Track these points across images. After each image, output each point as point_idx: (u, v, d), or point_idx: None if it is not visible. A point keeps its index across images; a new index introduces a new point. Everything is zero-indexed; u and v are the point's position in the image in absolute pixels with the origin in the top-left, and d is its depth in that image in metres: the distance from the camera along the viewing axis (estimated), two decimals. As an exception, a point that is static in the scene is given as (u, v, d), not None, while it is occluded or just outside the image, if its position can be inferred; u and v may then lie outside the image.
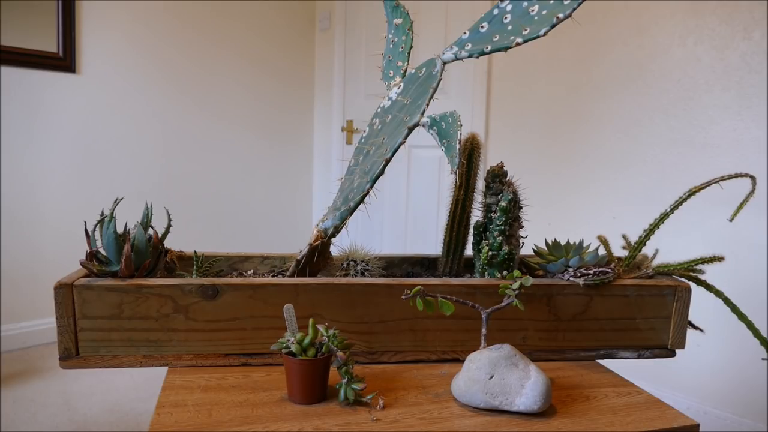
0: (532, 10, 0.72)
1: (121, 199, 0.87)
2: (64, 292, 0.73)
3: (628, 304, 0.86)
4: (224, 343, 0.77)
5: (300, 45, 3.28)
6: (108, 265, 0.77)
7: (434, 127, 0.76)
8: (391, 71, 0.89)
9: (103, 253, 0.78)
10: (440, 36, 2.62)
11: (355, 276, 0.88)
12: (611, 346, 0.87)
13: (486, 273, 0.87)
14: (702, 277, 0.89)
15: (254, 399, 0.69)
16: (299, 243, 3.20)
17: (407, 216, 2.91)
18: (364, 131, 0.91)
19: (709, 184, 0.87)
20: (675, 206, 0.88)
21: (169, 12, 2.72)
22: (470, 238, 0.95)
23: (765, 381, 1.68)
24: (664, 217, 0.89)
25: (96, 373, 2.10)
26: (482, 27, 0.78)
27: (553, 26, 0.70)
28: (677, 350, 0.89)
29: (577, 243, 0.90)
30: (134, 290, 0.74)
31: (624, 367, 0.97)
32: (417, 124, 0.78)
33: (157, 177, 2.77)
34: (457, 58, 0.80)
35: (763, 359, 1.34)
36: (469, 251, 0.97)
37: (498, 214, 0.86)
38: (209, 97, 2.92)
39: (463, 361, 0.73)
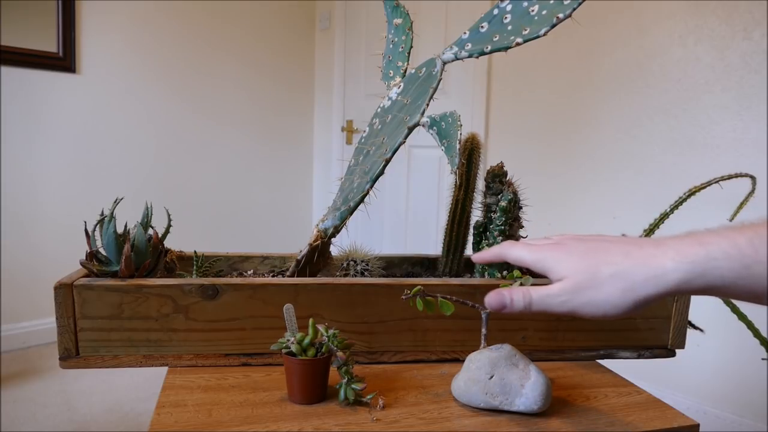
0: (532, 10, 0.72)
1: (121, 199, 0.87)
2: (64, 292, 0.73)
3: (628, 304, 0.86)
4: (224, 343, 0.77)
5: (300, 45, 3.28)
6: (108, 265, 0.77)
7: (434, 127, 0.76)
8: (391, 71, 0.89)
9: (103, 253, 0.78)
10: (440, 36, 2.62)
11: (355, 276, 0.88)
12: (611, 346, 0.87)
13: (486, 273, 0.87)
14: (702, 277, 0.88)
15: (254, 399, 0.69)
16: (299, 243, 3.20)
17: (407, 216, 2.91)
18: (364, 131, 0.91)
19: (709, 184, 0.87)
20: (675, 206, 0.88)
21: (169, 12, 2.72)
22: (470, 238, 0.95)
23: (765, 381, 1.68)
24: (664, 217, 0.89)
25: (96, 373, 2.10)
26: (482, 27, 0.78)
27: (553, 26, 0.70)
28: (677, 350, 0.89)
29: (577, 243, 0.90)
30: (134, 290, 0.74)
31: (624, 367, 0.97)
32: (417, 124, 0.78)
33: (157, 177, 2.78)
34: (457, 58, 0.80)
35: (763, 359, 1.34)
36: (469, 251, 0.97)
37: (498, 214, 0.86)
38: (209, 95, 2.92)
39: (463, 361, 0.73)
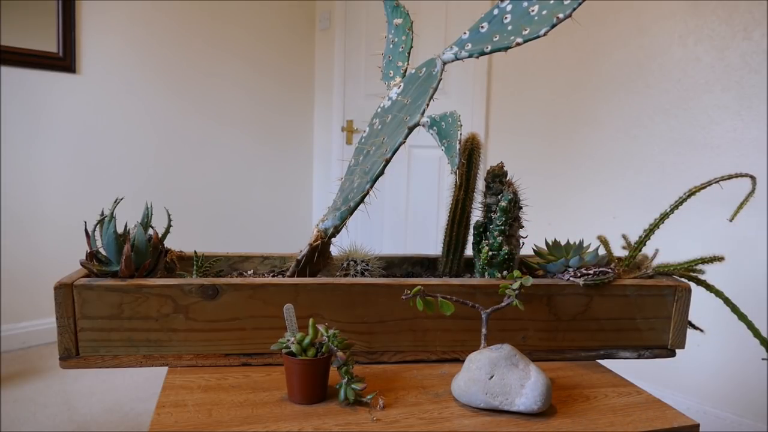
0: (532, 10, 0.72)
1: (121, 199, 0.87)
2: (64, 292, 0.73)
3: (628, 304, 0.86)
4: (224, 343, 0.77)
5: (300, 45, 3.28)
6: (108, 265, 0.77)
7: (434, 127, 0.76)
8: (391, 71, 0.89)
9: (103, 253, 0.78)
10: (440, 36, 2.62)
11: (355, 276, 0.88)
12: (611, 346, 0.87)
13: (486, 273, 0.87)
14: (702, 277, 0.89)
15: (254, 399, 0.69)
16: (299, 243, 3.20)
17: (407, 216, 2.91)
18: (364, 131, 0.91)
19: (709, 184, 0.87)
20: (675, 206, 0.88)
21: (169, 12, 2.72)
22: (470, 238, 0.95)
23: (765, 381, 1.68)
24: (664, 217, 0.89)
25: (96, 373, 2.10)
26: (482, 27, 0.78)
27: (553, 26, 0.70)
28: (677, 350, 0.89)
29: (577, 243, 0.90)
30: (134, 290, 0.74)
31: (624, 367, 0.97)
32: (417, 124, 0.78)
33: (158, 177, 2.78)
34: (457, 58, 0.80)
35: (763, 359, 1.34)
36: (469, 251, 0.97)
37: (498, 214, 0.86)
38: (209, 95, 2.92)
39: (463, 361, 0.73)
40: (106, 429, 1.74)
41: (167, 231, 0.88)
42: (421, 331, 0.82)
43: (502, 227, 0.86)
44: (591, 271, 0.85)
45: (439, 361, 0.83)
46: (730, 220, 0.88)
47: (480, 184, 0.95)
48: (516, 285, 0.77)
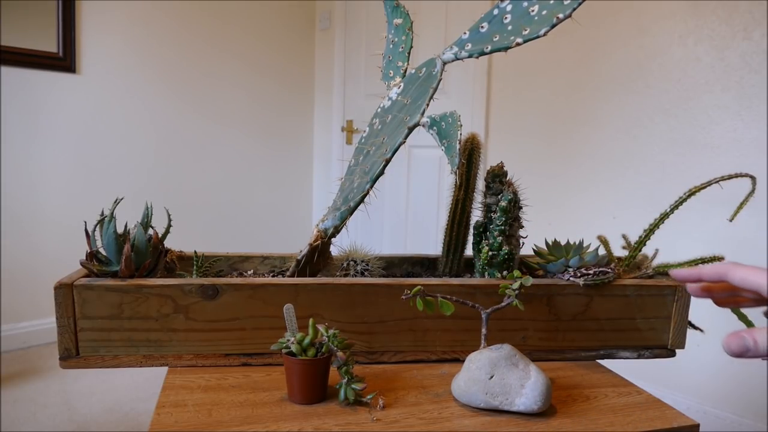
0: (532, 10, 0.72)
1: (121, 199, 0.87)
2: (64, 292, 0.73)
3: (628, 304, 0.86)
4: (224, 343, 0.77)
5: (300, 45, 3.28)
6: (108, 265, 0.77)
7: (434, 127, 0.76)
8: (391, 71, 0.89)
9: (103, 253, 0.78)
10: (440, 36, 2.62)
11: (355, 276, 0.88)
12: (611, 346, 0.87)
13: (486, 273, 0.87)
14: (702, 277, 0.88)
15: (254, 399, 0.69)
16: (299, 243, 3.20)
17: (407, 216, 2.91)
18: (364, 131, 0.91)
19: (709, 184, 0.87)
20: (675, 206, 0.88)
21: (169, 12, 2.72)
22: (470, 238, 0.95)
23: (765, 381, 1.68)
24: (664, 217, 0.89)
25: (96, 373, 2.10)
26: (482, 27, 0.78)
27: (553, 26, 0.70)
28: (677, 350, 0.89)
29: (577, 243, 0.90)
30: (134, 290, 0.74)
31: (624, 367, 0.97)
32: (417, 124, 0.78)
33: (158, 177, 2.78)
34: (457, 58, 0.80)
35: (763, 359, 1.34)
36: (469, 251, 0.97)
37: (498, 214, 0.86)
38: (209, 95, 2.92)
39: (463, 361, 0.73)
40: (106, 429, 1.74)
41: (167, 231, 0.88)
42: (421, 331, 0.82)
43: (502, 227, 0.86)
44: (591, 271, 0.85)
45: (439, 361, 0.83)
46: (730, 221, 0.88)
47: (480, 184, 0.95)
48: (516, 285, 0.77)
